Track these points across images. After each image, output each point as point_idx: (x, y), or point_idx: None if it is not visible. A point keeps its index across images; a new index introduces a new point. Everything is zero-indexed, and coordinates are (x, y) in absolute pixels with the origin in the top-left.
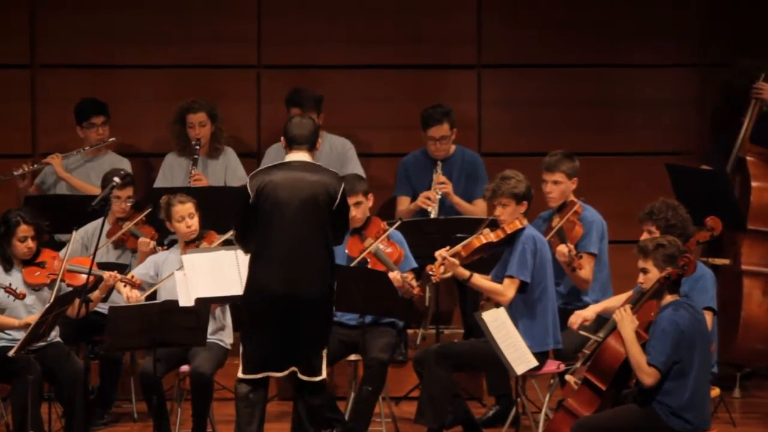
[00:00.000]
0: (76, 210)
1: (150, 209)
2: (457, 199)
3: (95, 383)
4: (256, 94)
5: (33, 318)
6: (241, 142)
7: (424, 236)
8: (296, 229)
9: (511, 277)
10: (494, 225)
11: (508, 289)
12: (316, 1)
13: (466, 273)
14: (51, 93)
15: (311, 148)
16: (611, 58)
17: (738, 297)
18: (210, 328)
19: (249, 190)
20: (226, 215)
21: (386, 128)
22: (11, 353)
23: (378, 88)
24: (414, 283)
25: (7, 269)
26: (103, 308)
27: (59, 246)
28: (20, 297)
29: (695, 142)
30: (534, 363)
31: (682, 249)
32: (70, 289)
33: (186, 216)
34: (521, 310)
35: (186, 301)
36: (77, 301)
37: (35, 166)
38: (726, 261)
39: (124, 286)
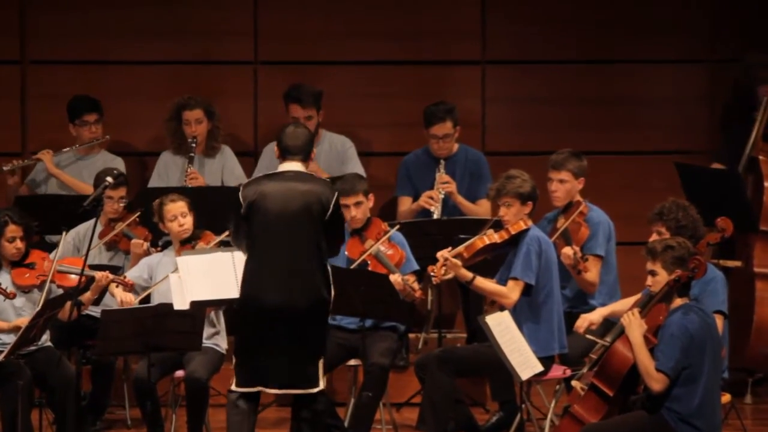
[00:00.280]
0: (67, 210)
1: (142, 210)
2: (460, 199)
3: (87, 389)
4: (253, 91)
5: (23, 321)
6: (238, 140)
7: (425, 237)
8: (288, 241)
9: (515, 279)
10: (498, 226)
11: (512, 291)
12: None
13: (469, 275)
14: (42, 90)
15: (305, 158)
16: (619, 54)
17: (750, 300)
18: (205, 332)
19: (241, 201)
20: (222, 215)
21: (387, 126)
22: (0, 358)
23: (379, 85)
24: (415, 285)
25: None
26: (95, 312)
27: (50, 247)
28: (10, 296)
29: (704, 140)
30: (539, 368)
31: (692, 251)
32: (60, 290)
33: (178, 215)
34: (526, 313)
35: (181, 304)
36: (68, 303)
37: (25, 162)
38: (738, 263)
39: (117, 286)
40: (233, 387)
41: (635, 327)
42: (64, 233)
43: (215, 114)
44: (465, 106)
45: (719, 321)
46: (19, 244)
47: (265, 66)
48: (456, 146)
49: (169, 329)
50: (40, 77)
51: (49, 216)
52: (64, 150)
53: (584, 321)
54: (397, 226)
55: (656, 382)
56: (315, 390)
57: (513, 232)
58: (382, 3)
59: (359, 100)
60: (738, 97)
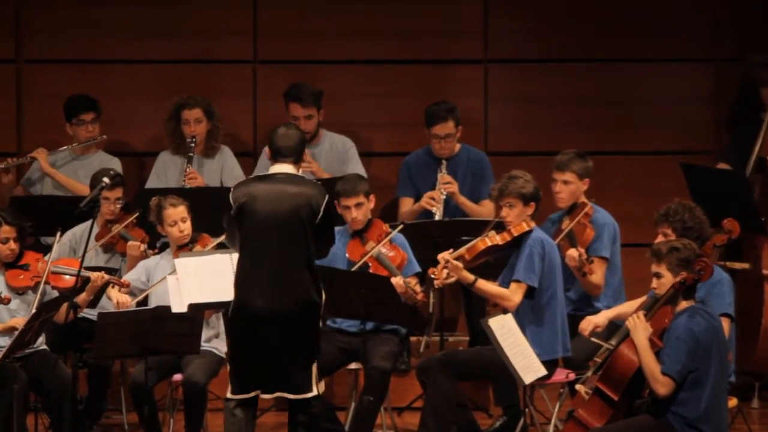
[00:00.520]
0: (63, 211)
1: (140, 211)
2: (463, 199)
3: (84, 393)
4: (252, 91)
5: (17, 321)
6: (237, 140)
7: (427, 239)
8: (277, 244)
9: (517, 281)
10: (500, 227)
11: (514, 294)
12: None
13: (471, 277)
14: (37, 89)
15: (297, 160)
16: (623, 52)
17: (758, 303)
18: (204, 336)
19: (231, 202)
20: (221, 217)
21: (388, 126)
22: None
23: (379, 84)
24: (417, 288)
25: None
26: (92, 314)
27: (45, 249)
28: (5, 302)
29: (709, 140)
30: (543, 372)
31: (697, 253)
32: (55, 291)
33: (179, 220)
34: (529, 316)
35: (178, 306)
36: (65, 305)
37: (19, 160)
38: (745, 265)
39: (112, 287)
40: (229, 395)
41: (640, 330)
42: (58, 234)
43: (215, 114)
44: (467, 106)
45: (726, 324)
46: (12, 245)
47: (264, 65)
48: (458, 146)
49: (167, 332)
50: (35, 77)
51: (44, 217)
52: (60, 149)
53: (589, 324)
54: (400, 227)
55: (662, 385)
56: (309, 395)
57: (515, 234)
58: (383, 1)
59: (360, 99)
60: (744, 97)
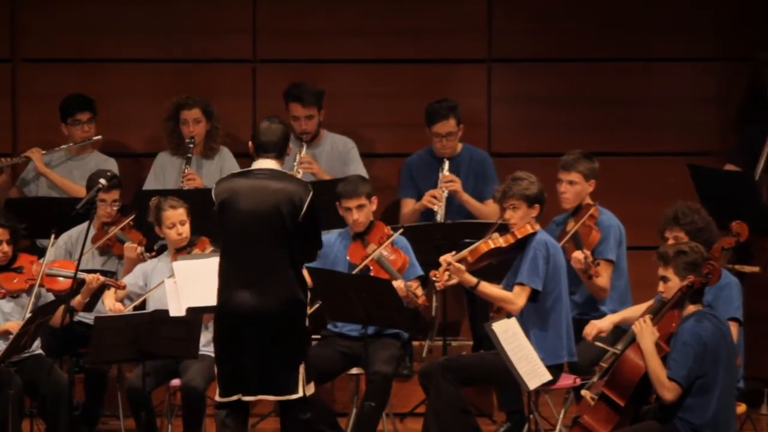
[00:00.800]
0: (59, 213)
1: (137, 213)
2: (466, 197)
3: (80, 398)
4: (251, 91)
5: (11, 324)
6: (236, 140)
7: (429, 242)
8: (258, 242)
9: (521, 284)
10: (504, 229)
11: (518, 297)
12: None
13: (473, 280)
14: (33, 89)
15: (279, 155)
16: (629, 52)
17: (767, 306)
18: (202, 340)
19: (213, 199)
20: None
21: (390, 126)
22: None
23: (381, 84)
24: (419, 291)
25: None
26: (88, 318)
27: (41, 252)
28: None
29: (717, 141)
30: (547, 377)
31: (705, 256)
32: (50, 294)
33: (177, 223)
34: (533, 320)
35: (176, 310)
36: (60, 309)
37: (13, 160)
38: (755, 269)
39: (108, 289)
40: (216, 397)
41: (647, 334)
42: (53, 235)
43: (214, 114)
44: (470, 106)
45: (734, 328)
46: (5, 247)
47: (264, 64)
48: (460, 146)
49: (165, 336)
50: (31, 76)
51: (40, 219)
52: (56, 149)
53: (594, 328)
54: (401, 230)
55: (668, 391)
56: (294, 396)
57: (519, 236)
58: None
59: (361, 99)
60: (752, 97)
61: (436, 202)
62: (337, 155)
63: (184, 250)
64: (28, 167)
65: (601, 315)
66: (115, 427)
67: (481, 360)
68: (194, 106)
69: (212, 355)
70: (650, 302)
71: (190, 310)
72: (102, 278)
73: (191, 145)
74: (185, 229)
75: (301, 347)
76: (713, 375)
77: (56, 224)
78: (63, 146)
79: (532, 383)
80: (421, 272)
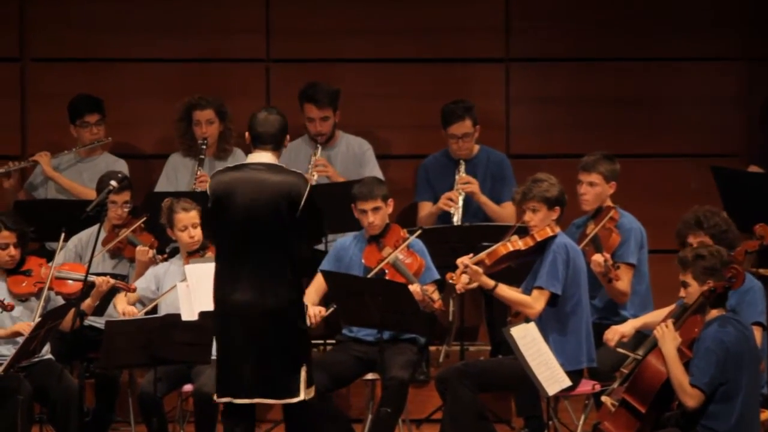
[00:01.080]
0: (68, 216)
1: (147, 215)
2: (484, 199)
3: (90, 404)
4: (265, 91)
5: (22, 325)
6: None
7: (446, 245)
8: (254, 239)
9: (540, 288)
10: (523, 232)
11: (537, 301)
12: None
13: (491, 282)
14: (42, 89)
15: (276, 148)
16: (650, 52)
17: None
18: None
19: (208, 194)
20: None
21: (406, 127)
22: None
23: (397, 84)
24: (435, 295)
25: None
26: (99, 322)
27: (50, 255)
28: (8, 309)
29: (740, 142)
30: (567, 382)
31: (725, 260)
32: (60, 298)
33: (189, 226)
34: (553, 324)
35: (189, 314)
36: (71, 312)
37: (21, 164)
38: None
39: (118, 292)
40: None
41: (669, 340)
42: (62, 238)
43: (227, 114)
44: (488, 107)
45: (758, 333)
46: (12, 251)
47: (277, 64)
48: (477, 147)
49: (177, 341)
50: (40, 76)
51: (49, 222)
52: (63, 152)
53: (615, 333)
54: (418, 232)
55: (691, 398)
56: (294, 399)
57: (539, 239)
58: None
59: (377, 99)
60: None
61: (453, 204)
62: (352, 157)
63: (196, 254)
64: (35, 171)
65: (622, 320)
66: None
67: (499, 365)
68: (207, 107)
69: None
70: (672, 307)
71: (202, 314)
72: (112, 281)
73: (204, 147)
74: (197, 232)
75: (301, 350)
76: (737, 381)
77: (66, 227)
78: (65, 151)
79: (552, 389)
80: (437, 276)
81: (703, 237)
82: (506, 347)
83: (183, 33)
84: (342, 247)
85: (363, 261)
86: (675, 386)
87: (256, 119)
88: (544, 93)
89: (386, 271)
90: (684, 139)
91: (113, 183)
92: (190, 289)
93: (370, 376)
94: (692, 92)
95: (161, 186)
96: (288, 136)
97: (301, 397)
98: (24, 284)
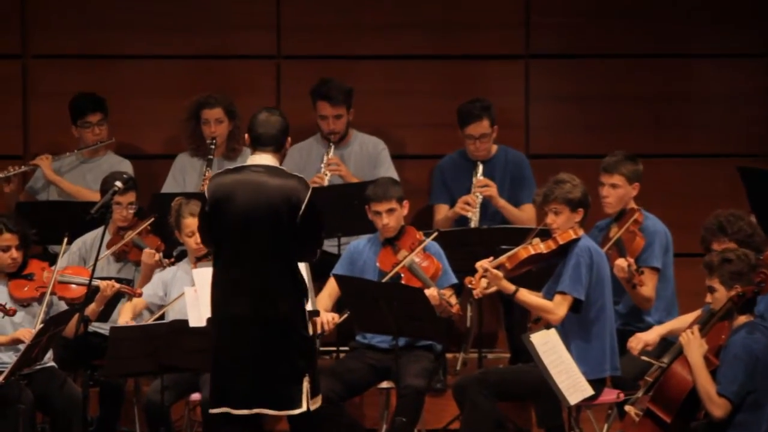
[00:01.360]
0: (72, 218)
1: (154, 218)
2: (502, 203)
3: (95, 413)
4: (275, 88)
5: (23, 332)
6: None
7: (464, 248)
8: (253, 245)
9: (562, 293)
10: (545, 234)
11: (559, 307)
12: None
13: (512, 287)
14: (45, 87)
15: (277, 150)
16: (673, 48)
17: None
18: None
19: (206, 197)
20: None
21: (421, 126)
22: (0, 379)
23: (413, 81)
24: (453, 300)
25: None
26: (103, 329)
27: (53, 259)
28: (10, 314)
29: (766, 141)
30: (589, 391)
31: (753, 264)
32: (63, 303)
33: (197, 231)
34: (575, 331)
35: (197, 320)
36: (74, 318)
37: (22, 168)
38: None
39: (124, 296)
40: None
41: (695, 347)
42: (65, 241)
43: (236, 113)
44: (506, 105)
45: None
46: (14, 254)
47: (288, 61)
48: (495, 147)
49: (184, 348)
50: (43, 73)
51: (52, 224)
52: (65, 154)
53: (639, 340)
54: (434, 235)
55: (718, 407)
56: (296, 411)
57: (561, 242)
58: None
59: (391, 97)
60: None
61: (470, 208)
62: (366, 157)
63: (205, 258)
64: (36, 175)
65: (646, 326)
66: None
67: (518, 373)
68: (216, 105)
69: None
70: (698, 312)
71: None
72: (117, 285)
73: (212, 147)
74: None
75: (304, 358)
76: (765, 390)
77: (69, 229)
78: (67, 153)
79: (573, 398)
80: (455, 280)
81: (727, 243)
82: (526, 355)
83: (190, 28)
84: (356, 251)
85: (377, 265)
86: (701, 395)
87: (256, 120)
88: (565, 90)
89: (402, 275)
90: (710, 138)
91: (118, 184)
92: (199, 294)
93: (384, 384)
94: (718, 90)
95: (168, 187)
96: (289, 138)
97: (304, 408)
98: (26, 289)
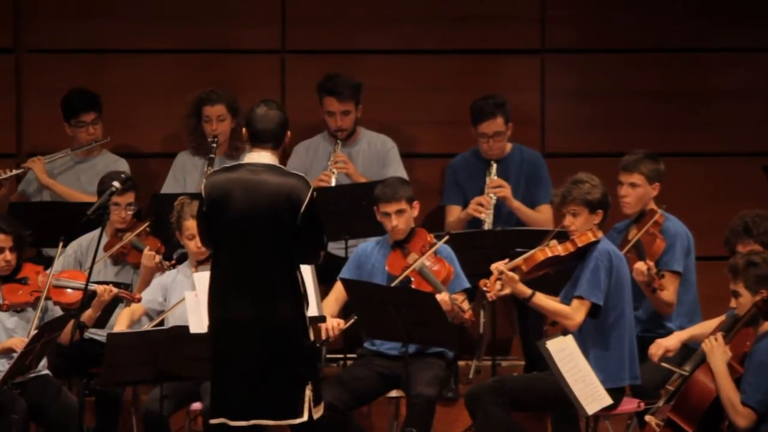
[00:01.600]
0: (68, 219)
1: (153, 219)
2: (516, 204)
3: (91, 423)
4: (280, 84)
5: (14, 341)
6: None
7: (477, 251)
8: (252, 247)
9: (580, 298)
10: (563, 236)
11: (576, 312)
12: None
13: (528, 291)
14: (39, 82)
15: (276, 146)
16: (696, 42)
17: None
18: None
19: (203, 196)
20: None
21: (432, 124)
22: None
23: (422, 77)
24: (465, 305)
25: None
26: (100, 335)
27: (48, 262)
28: (2, 308)
29: None
30: (608, 401)
31: None
32: (58, 308)
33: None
34: (593, 338)
35: (197, 326)
36: (70, 324)
37: (13, 171)
38: None
39: (122, 302)
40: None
41: (718, 354)
42: (60, 243)
43: (239, 110)
44: (521, 102)
45: None
46: (8, 255)
47: (293, 55)
48: (509, 146)
49: (185, 355)
50: (36, 68)
51: (47, 225)
52: (58, 154)
53: (660, 348)
54: (446, 238)
55: (742, 417)
56: (297, 420)
57: (580, 245)
58: None
59: (400, 93)
60: None
61: (483, 210)
62: (374, 155)
63: (206, 262)
64: (28, 177)
65: (667, 332)
66: None
67: (533, 382)
68: (218, 102)
69: None
70: (722, 318)
71: None
72: (115, 290)
73: (214, 145)
74: None
75: (305, 365)
76: None
77: (64, 231)
78: (61, 152)
79: (591, 408)
80: (467, 284)
81: (753, 245)
82: (542, 362)
83: (190, 21)
84: (363, 253)
85: (386, 268)
86: (725, 404)
87: (254, 115)
88: (583, 87)
89: (412, 279)
90: (733, 136)
91: (116, 184)
92: (200, 299)
93: (393, 393)
94: (741, 85)
95: (168, 187)
96: (289, 133)
97: (305, 417)
98: (20, 293)
